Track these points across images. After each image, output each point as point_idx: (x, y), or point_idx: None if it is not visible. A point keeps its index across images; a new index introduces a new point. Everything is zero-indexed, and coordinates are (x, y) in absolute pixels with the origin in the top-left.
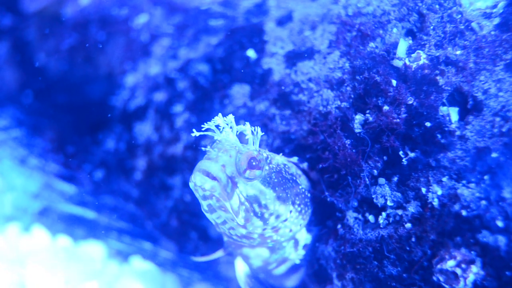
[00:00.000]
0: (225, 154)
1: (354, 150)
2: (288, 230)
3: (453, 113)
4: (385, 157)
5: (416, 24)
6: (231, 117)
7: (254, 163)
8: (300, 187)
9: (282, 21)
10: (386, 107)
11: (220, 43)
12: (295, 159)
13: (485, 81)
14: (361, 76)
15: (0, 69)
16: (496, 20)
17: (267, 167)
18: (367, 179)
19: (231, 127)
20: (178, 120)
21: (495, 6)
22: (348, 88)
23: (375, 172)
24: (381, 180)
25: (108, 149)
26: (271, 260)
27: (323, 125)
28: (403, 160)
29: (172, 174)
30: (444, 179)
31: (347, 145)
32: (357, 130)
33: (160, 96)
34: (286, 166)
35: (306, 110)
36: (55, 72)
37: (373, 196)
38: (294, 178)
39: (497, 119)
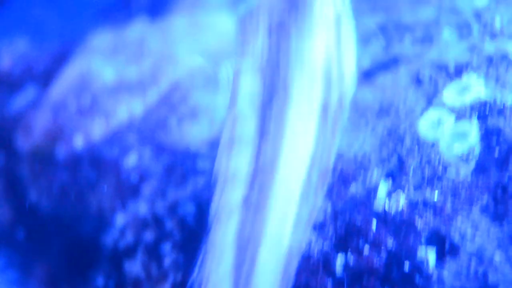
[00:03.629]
0: None
1: None
2: None
3: (431, 255)
4: None
5: (396, 167)
6: None
7: None
8: None
9: None
10: (366, 249)
11: (207, 184)
12: None
13: (462, 224)
14: (342, 218)
15: None
16: (472, 164)
17: None
18: None
19: None
20: (166, 259)
21: (471, 151)
22: (330, 230)
23: None
24: None
25: (98, 286)
26: None
27: (305, 267)
28: None
29: None
30: None
31: (328, 285)
32: (338, 272)
33: (148, 235)
34: None
35: None
36: (46, 211)
37: None
38: None
39: (473, 261)
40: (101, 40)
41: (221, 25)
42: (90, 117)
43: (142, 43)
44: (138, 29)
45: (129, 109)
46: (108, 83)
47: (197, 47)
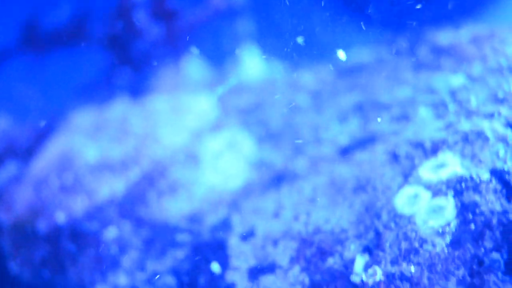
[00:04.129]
0: None
1: None
2: None
3: None
4: None
5: (372, 241)
6: None
7: None
8: None
9: (246, 237)
10: None
11: (186, 257)
12: None
13: None
14: None
15: None
16: (448, 238)
17: None
18: None
19: None
20: None
21: (448, 225)
22: None
23: None
24: None
25: None
26: None
27: None
28: None
29: None
30: None
31: None
32: None
33: None
34: None
35: None
36: (27, 282)
37: None
38: None
39: None
40: (83, 118)
41: (201, 104)
42: (72, 194)
43: (124, 122)
44: (120, 108)
45: (110, 187)
46: (90, 161)
47: (178, 126)
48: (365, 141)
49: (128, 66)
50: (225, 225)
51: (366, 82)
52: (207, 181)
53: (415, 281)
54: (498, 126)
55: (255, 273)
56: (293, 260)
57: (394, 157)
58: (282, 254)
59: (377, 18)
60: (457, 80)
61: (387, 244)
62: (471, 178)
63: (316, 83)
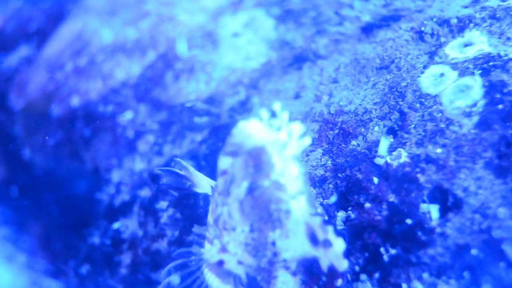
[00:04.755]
0: None
1: None
2: None
3: (434, 210)
4: (366, 254)
5: (397, 123)
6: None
7: None
8: None
9: None
10: (367, 205)
11: (204, 140)
12: None
13: (465, 179)
14: (343, 174)
15: None
16: (476, 119)
17: None
18: (348, 275)
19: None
20: (162, 216)
21: (474, 105)
22: (331, 186)
23: (357, 268)
24: (363, 277)
25: (93, 244)
26: None
27: None
28: (384, 257)
29: (157, 270)
30: (425, 275)
31: None
32: (339, 227)
33: (145, 192)
34: None
35: None
36: (41, 168)
37: None
38: None
39: (477, 216)
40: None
41: None
42: (86, 77)
43: (140, 2)
44: None
45: (126, 69)
46: (105, 43)
47: (195, 6)
48: (389, 19)
49: None
50: (244, 106)
51: None
52: (226, 62)
53: (441, 164)
54: None
55: None
56: (315, 142)
57: (419, 35)
58: None
59: None
60: None
61: (412, 126)
62: (499, 56)
63: None
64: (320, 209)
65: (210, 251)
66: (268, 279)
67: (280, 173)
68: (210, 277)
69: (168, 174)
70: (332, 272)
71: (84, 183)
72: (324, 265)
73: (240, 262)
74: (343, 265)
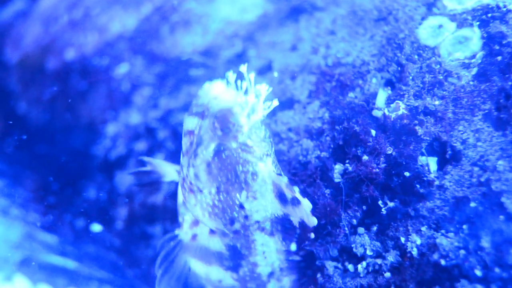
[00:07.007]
0: None
1: (333, 200)
2: None
3: (432, 163)
4: (364, 207)
5: (395, 75)
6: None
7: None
8: None
9: (262, 71)
10: (365, 157)
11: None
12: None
13: (464, 131)
14: (340, 126)
15: None
16: (474, 70)
17: None
18: (346, 229)
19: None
20: None
21: (473, 57)
22: (328, 138)
23: (355, 221)
24: (361, 230)
25: (89, 198)
26: None
27: (303, 175)
28: (382, 210)
29: (153, 223)
30: (423, 228)
31: (326, 194)
32: (336, 180)
33: (141, 146)
34: None
35: (285, 159)
36: (36, 122)
37: (352, 246)
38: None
39: (476, 168)
40: None
41: None
42: (81, 29)
43: None
44: None
45: (121, 22)
46: None
47: None
48: None
49: None
50: (241, 59)
51: None
52: (222, 13)
53: (439, 115)
54: None
55: (273, 109)
56: (312, 95)
57: None
58: (300, 88)
59: None
60: None
61: (410, 77)
62: (498, 7)
63: None
64: (282, 172)
65: (183, 230)
66: (248, 245)
67: (247, 135)
68: (194, 264)
69: (136, 175)
70: (304, 226)
71: (80, 136)
72: (295, 221)
73: (212, 232)
74: (313, 221)
